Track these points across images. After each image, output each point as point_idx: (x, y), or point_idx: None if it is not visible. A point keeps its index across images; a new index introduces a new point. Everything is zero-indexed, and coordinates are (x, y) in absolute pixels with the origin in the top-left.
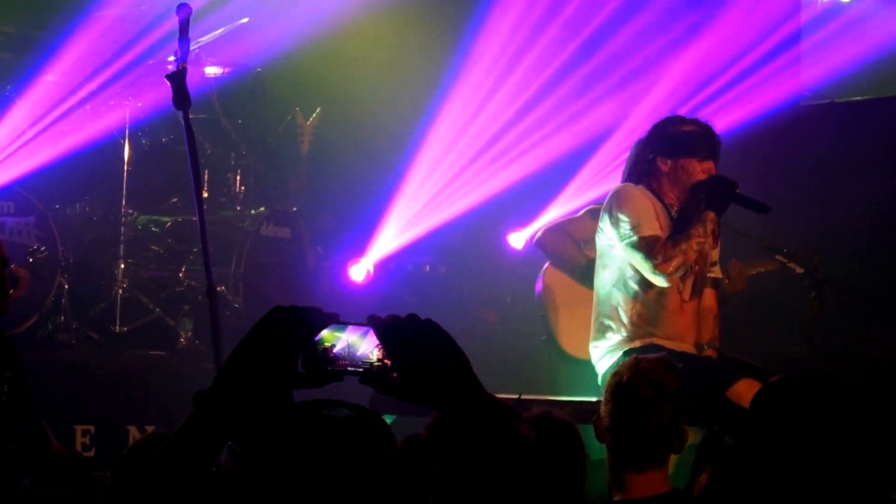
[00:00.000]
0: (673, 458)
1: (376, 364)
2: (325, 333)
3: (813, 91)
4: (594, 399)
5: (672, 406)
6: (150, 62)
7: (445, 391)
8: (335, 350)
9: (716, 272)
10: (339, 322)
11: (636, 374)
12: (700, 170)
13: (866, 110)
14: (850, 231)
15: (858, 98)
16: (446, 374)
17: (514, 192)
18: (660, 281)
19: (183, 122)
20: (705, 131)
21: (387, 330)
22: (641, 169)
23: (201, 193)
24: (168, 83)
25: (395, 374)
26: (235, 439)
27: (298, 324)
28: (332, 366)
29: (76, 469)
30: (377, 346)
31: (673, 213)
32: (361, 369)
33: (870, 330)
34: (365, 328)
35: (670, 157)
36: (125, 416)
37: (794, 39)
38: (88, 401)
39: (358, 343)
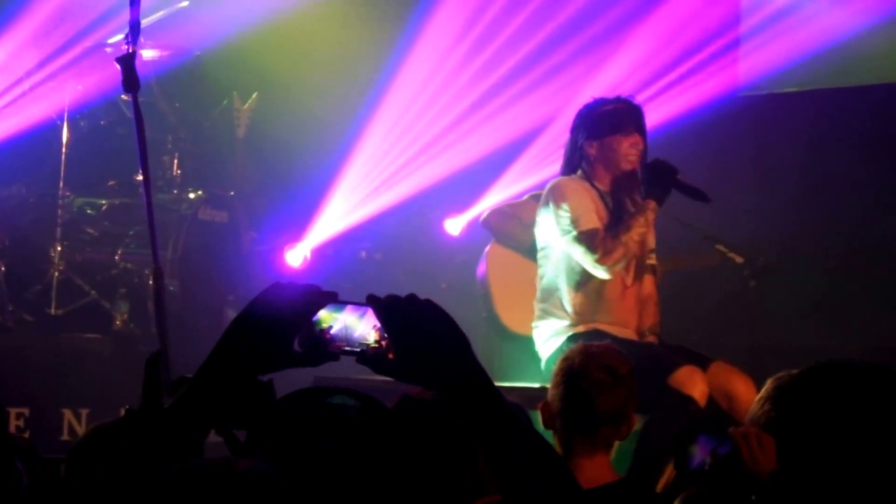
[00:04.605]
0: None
1: (373, 345)
2: (322, 314)
3: (751, 83)
4: (537, 385)
5: (623, 391)
6: (91, 44)
7: (448, 372)
8: (332, 331)
9: (652, 259)
10: (338, 302)
11: (588, 357)
12: (627, 144)
13: (804, 102)
14: (786, 221)
15: (796, 89)
16: (447, 354)
17: (452, 178)
18: (601, 273)
19: (132, 105)
20: (625, 106)
21: (386, 310)
22: (574, 157)
23: (149, 177)
24: (114, 65)
25: (391, 355)
26: (229, 421)
27: (297, 300)
28: (329, 346)
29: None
30: (375, 326)
31: (608, 201)
32: (359, 349)
33: (806, 320)
34: (363, 308)
35: (595, 138)
36: (60, 399)
37: (732, 31)
38: (23, 383)
39: (355, 324)
